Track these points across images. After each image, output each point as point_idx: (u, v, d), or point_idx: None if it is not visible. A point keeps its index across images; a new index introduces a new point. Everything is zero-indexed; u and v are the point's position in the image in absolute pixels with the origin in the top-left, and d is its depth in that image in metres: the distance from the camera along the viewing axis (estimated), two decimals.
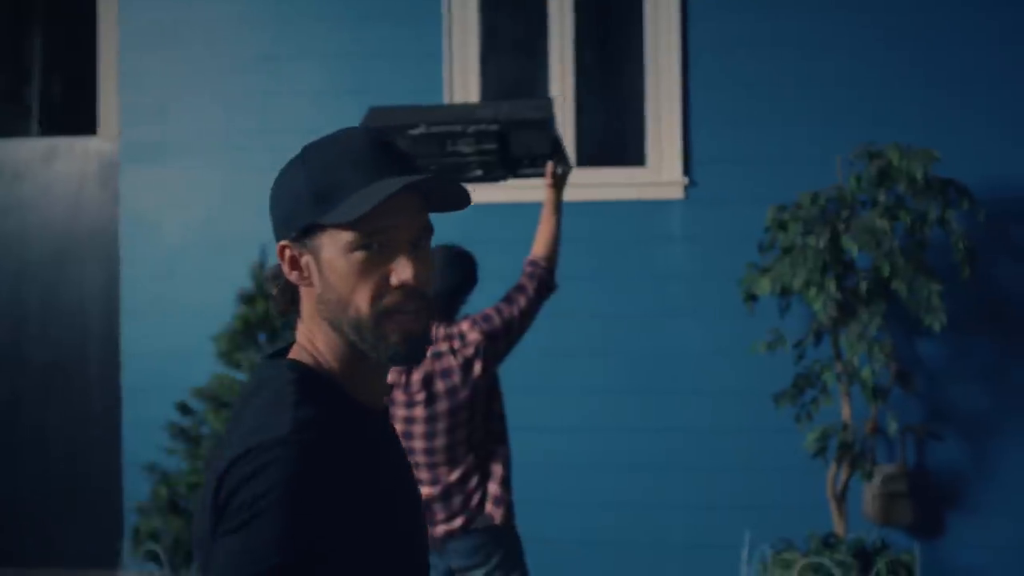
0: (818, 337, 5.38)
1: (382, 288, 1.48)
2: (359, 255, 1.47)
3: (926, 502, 5.87)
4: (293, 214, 1.51)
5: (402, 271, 1.48)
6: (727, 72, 5.96)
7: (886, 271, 4.91)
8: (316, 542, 1.39)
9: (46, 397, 6.57)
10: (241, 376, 5.92)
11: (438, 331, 3.87)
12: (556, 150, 3.68)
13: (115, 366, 6.40)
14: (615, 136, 6.34)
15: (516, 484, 5.88)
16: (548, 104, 3.65)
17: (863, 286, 5.02)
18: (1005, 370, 5.85)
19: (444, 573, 3.77)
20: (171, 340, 6.20)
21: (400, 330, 1.49)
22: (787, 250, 5.24)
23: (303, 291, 1.56)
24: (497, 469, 3.64)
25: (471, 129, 3.62)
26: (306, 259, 1.52)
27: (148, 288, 6.26)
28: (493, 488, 3.60)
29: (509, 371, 5.88)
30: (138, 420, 6.17)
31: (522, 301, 3.71)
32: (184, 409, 5.89)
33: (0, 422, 6.61)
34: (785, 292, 5.25)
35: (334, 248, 1.48)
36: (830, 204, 5.34)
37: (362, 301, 1.48)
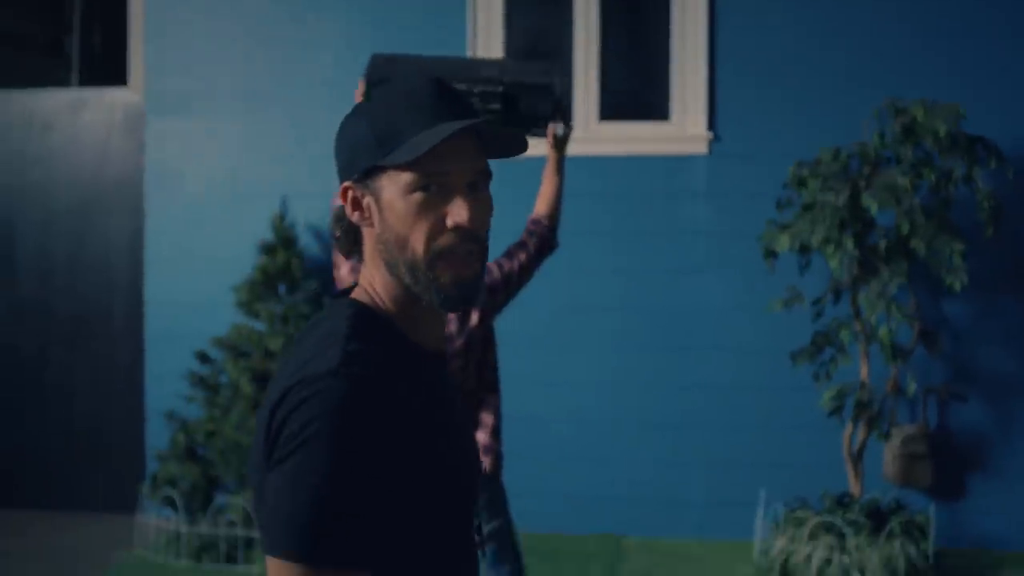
0: (837, 295, 5.32)
1: (438, 229, 1.51)
2: (417, 196, 1.50)
3: (947, 465, 5.80)
4: (356, 156, 1.55)
5: (458, 212, 1.50)
6: (753, 27, 5.87)
7: (905, 229, 4.83)
8: (361, 472, 1.41)
9: (72, 347, 6.64)
10: (260, 326, 5.95)
11: None
12: (559, 111, 3.66)
13: (139, 317, 6.45)
14: (640, 90, 6.28)
15: (536, 439, 5.89)
16: (552, 68, 3.64)
17: (882, 244, 4.94)
18: None
19: None
20: (194, 291, 6.23)
21: (452, 272, 1.52)
22: (808, 207, 5.17)
23: (365, 232, 1.60)
24: (487, 419, 3.64)
25: (477, 89, 3.61)
26: (367, 200, 1.55)
27: (172, 239, 6.29)
28: (482, 437, 3.59)
29: (529, 326, 5.87)
30: (161, 370, 6.22)
31: (522, 256, 3.70)
32: (203, 358, 5.94)
33: (27, 372, 6.68)
34: (804, 249, 5.19)
35: (393, 189, 1.52)
36: (853, 161, 5.26)
37: (418, 242, 1.51)
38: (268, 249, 5.91)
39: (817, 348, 5.34)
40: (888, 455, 5.71)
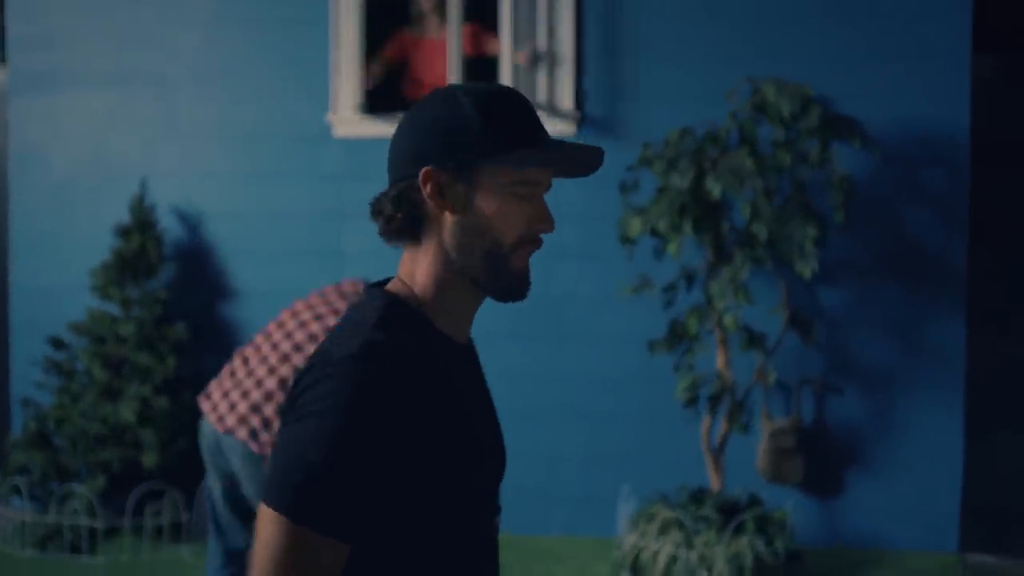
0: (689, 282, 5.12)
1: (525, 226, 1.64)
2: (514, 197, 1.62)
3: (821, 459, 5.59)
4: (456, 146, 1.62)
5: (548, 220, 1.65)
6: (620, 4, 5.67)
7: (747, 213, 4.63)
8: (361, 452, 1.50)
9: None
10: (116, 311, 5.79)
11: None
12: None
13: (3, 301, 6.31)
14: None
15: None
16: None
17: (725, 227, 4.74)
18: (911, 321, 5.54)
19: None
20: (58, 275, 6.08)
21: (520, 266, 1.65)
22: (662, 190, 4.97)
23: (432, 218, 1.65)
24: None
25: None
26: (459, 187, 1.62)
27: (37, 222, 6.14)
28: None
29: None
30: (27, 356, 6.06)
31: None
32: (58, 344, 5.79)
33: None
34: (656, 235, 4.99)
35: (494, 183, 1.62)
36: (710, 142, 5.05)
37: (506, 235, 1.63)
38: (124, 232, 5.75)
39: (676, 337, 5.15)
40: (760, 449, 5.51)
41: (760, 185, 4.68)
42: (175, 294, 5.88)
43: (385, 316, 1.62)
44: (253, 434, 3.83)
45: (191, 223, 5.97)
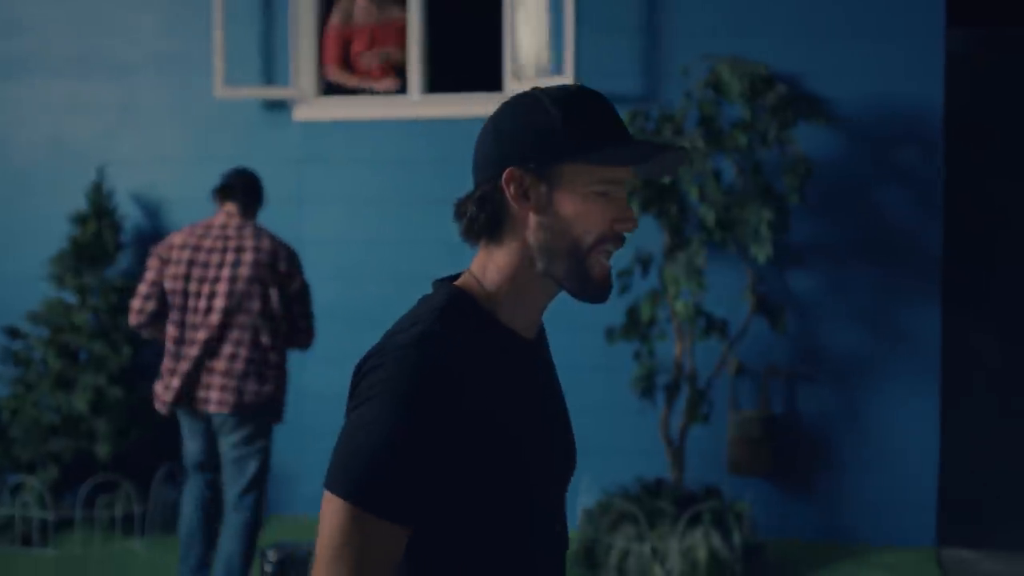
0: (645, 268, 4.94)
1: (608, 227, 1.63)
2: (597, 196, 1.63)
3: (791, 450, 5.41)
4: (542, 147, 1.63)
5: (630, 220, 1.65)
6: None
7: (693, 197, 4.46)
8: (415, 439, 1.53)
9: None
10: (71, 299, 5.70)
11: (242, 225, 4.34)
12: None
13: None
14: (473, 61, 5.96)
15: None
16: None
17: (673, 210, 4.57)
18: (884, 307, 5.34)
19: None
20: (16, 263, 6.00)
21: (601, 267, 1.65)
22: None
23: (515, 217, 1.66)
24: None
25: None
26: (542, 187, 1.63)
27: None
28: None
29: (356, 299, 5.56)
30: None
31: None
32: (13, 333, 5.71)
33: None
34: None
35: (576, 183, 1.62)
36: (665, 123, 4.88)
37: (589, 234, 1.63)
38: (80, 219, 5.66)
39: (634, 325, 4.99)
40: (728, 440, 5.34)
41: (709, 167, 4.49)
42: (135, 282, 5.78)
43: (446, 308, 1.64)
44: None
45: (151, 209, 5.88)
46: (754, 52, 5.12)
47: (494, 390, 1.62)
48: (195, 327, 4.23)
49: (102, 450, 5.39)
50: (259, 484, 4.32)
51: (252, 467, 4.27)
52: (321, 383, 5.70)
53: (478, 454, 1.58)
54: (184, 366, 4.21)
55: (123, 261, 5.83)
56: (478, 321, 1.66)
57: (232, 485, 4.29)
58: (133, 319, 4.29)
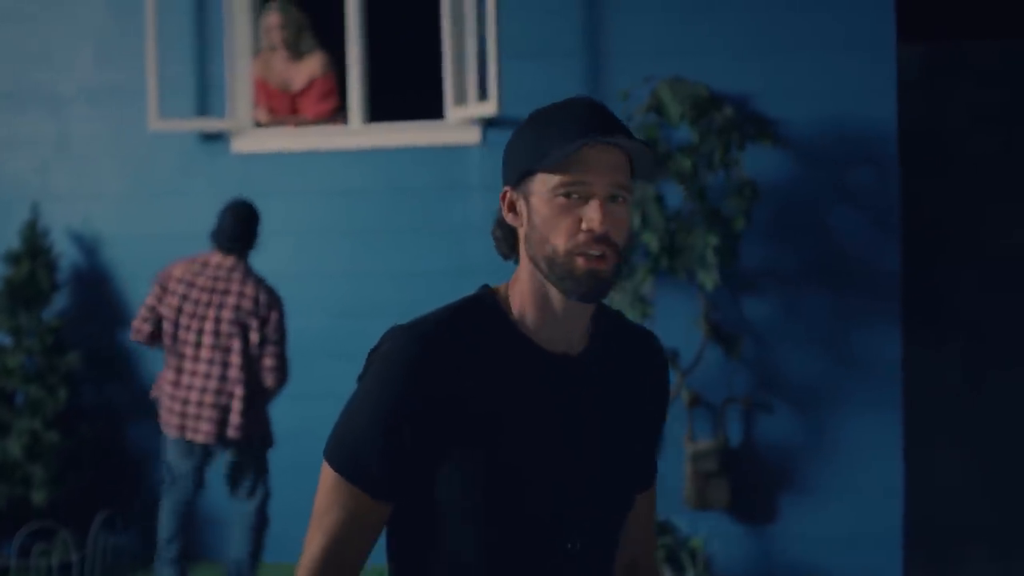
0: None
1: (574, 230, 1.64)
2: (560, 200, 1.65)
3: (750, 483, 5.23)
4: (516, 164, 1.70)
5: (590, 217, 1.63)
6: (536, 8, 5.34)
7: (634, 223, 4.30)
8: (388, 415, 1.63)
9: None
10: (7, 342, 5.53)
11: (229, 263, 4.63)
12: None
13: None
14: (413, 88, 5.81)
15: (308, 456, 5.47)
16: None
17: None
18: (843, 332, 5.18)
19: None
20: None
21: (587, 265, 1.64)
22: None
23: (517, 233, 1.74)
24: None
25: None
26: (521, 203, 1.71)
27: None
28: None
29: (304, 338, 5.39)
30: None
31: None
32: None
33: None
34: None
35: (542, 192, 1.66)
36: None
37: (558, 239, 1.64)
38: (13, 258, 5.49)
39: None
40: (685, 474, 5.17)
41: (651, 192, 4.34)
42: (72, 322, 5.62)
43: (464, 306, 1.72)
44: None
45: (87, 247, 5.70)
46: (699, 72, 4.97)
47: (493, 392, 1.67)
48: (188, 358, 4.57)
49: (38, 496, 5.22)
50: (263, 487, 4.73)
51: (251, 482, 4.72)
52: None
53: (462, 449, 1.64)
54: (180, 394, 4.55)
55: (59, 301, 5.65)
56: (495, 324, 1.72)
57: (236, 492, 4.75)
58: (132, 336, 4.67)
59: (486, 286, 1.78)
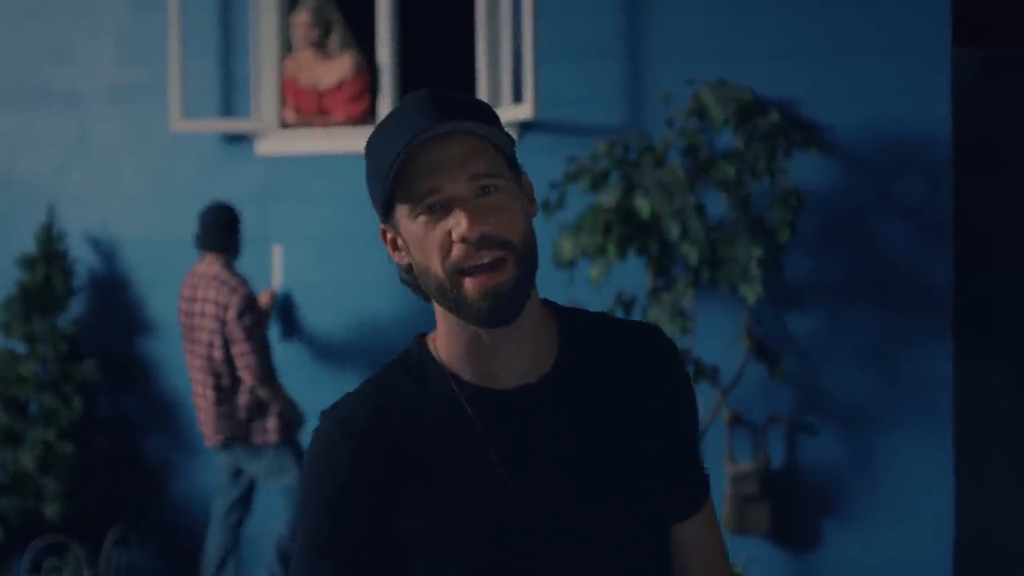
0: (627, 309, 4.55)
1: (446, 245, 1.44)
2: (422, 219, 1.45)
3: (793, 507, 4.99)
4: (374, 197, 1.51)
5: (455, 225, 1.43)
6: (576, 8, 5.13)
7: (674, 234, 4.07)
8: (324, 513, 1.51)
9: None
10: (21, 349, 5.36)
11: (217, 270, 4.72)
12: None
13: None
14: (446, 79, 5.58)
15: None
16: None
17: (654, 248, 4.19)
18: (891, 349, 4.93)
19: None
20: None
21: (477, 285, 1.43)
22: (588, 209, 4.43)
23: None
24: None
25: None
26: (398, 238, 1.52)
27: None
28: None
29: (329, 345, 5.23)
30: None
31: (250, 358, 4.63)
32: None
33: None
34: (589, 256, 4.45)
35: (405, 218, 1.47)
36: (645, 154, 4.50)
37: (434, 263, 1.45)
38: (29, 262, 5.31)
39: None
40: (724, 496, 4.94)
41: (691, 200, 4.11)
42: (87, 329, 5.44)
43: (394, 365, 1.58)
44: None
45: (105, 251, 5.52)
46: (743, 76, 4.74)
47: (426, 453, 1.50)
48: (191, 367, 4.76)
49: (50, 510, 5.05)
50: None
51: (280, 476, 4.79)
52: None
53: (408, 521, 1.49)
54: (197, 401, 4.76)
55: (75, 307, 5.47)
56: (425, 377, 1.54)
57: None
58: None
59: (420, 335, 1.60)
